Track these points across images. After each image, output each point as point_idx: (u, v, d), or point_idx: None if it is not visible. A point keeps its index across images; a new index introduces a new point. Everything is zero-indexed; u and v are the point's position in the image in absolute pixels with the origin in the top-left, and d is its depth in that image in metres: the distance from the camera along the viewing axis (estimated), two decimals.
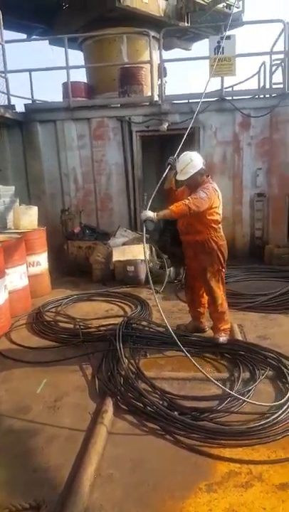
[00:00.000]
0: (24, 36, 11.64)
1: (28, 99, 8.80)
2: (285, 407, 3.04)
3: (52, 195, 8.36)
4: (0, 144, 8.03)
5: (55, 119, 8.08)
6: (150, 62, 7.98)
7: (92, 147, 8.15)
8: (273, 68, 8.31)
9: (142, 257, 6.29)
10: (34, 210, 6.63)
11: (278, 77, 8.02)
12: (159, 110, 7.77)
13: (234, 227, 8.10)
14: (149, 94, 7.97)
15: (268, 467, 2.55)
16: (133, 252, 6.65)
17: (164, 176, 4.13)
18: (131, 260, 6.63)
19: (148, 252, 6.68)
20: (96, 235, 7.69)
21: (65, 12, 10.51)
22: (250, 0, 16.87)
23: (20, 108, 8.22)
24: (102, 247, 7.05)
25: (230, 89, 8.63)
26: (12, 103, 8.09)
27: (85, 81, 9.98)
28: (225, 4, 10.48)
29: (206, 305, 4.51)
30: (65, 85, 8.39)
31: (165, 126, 7.65)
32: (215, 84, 7.69)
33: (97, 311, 5.59)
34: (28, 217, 6.52)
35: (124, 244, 7.10)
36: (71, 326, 5.04)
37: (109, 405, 3.17)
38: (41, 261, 6.35)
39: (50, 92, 21.41)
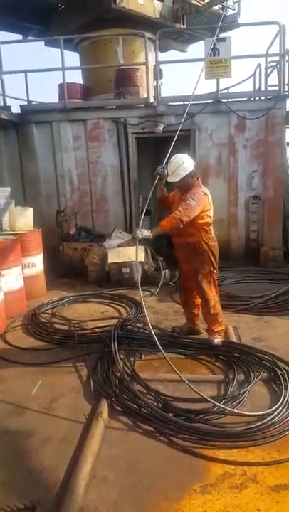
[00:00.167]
0: (20, 37, 11.61)
1: (24, 100, 8.79)
2: (280, 409, 3.06)
3: (47, 196, 8.35)
4: None
5: (50, 120, 8.07)
6: (146, 63, 7.98)
7: (88, 148, 8.15)
8: (269, 70, 8.37)
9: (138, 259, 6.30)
10: (30, 212, 6.63)
11: (274, 79, 8.10)
12: (154, 112, 7.79)
13: (229, 229, 8.08)
14: (145, 95, 7.98)
15: (263, 469, 2.55)
16: (128, 253, 6.63)
17: (154, 185, 4.16)
18: (126, 262, 6.62)
19: (143, 254, 6.69)
20: (91, 236, 7.67)
21: (61, 13, 10.51)
22: (246, 1, 16.89)
23: (16, 109, 8.24)
24: (98, 249, 7.04)
25: (225, 91, 8.65)
26: (8, 104, 8.10)
27: (81, 82, 10.00)
28: (221, 6, 10.51)
29: (200, 306, 4.53)
30: (60, 86, 8.38)
31: (160, 127, 7.66)
32: (210, 87, 7.74)
33: (93, 313, 5.59)
34: (24, 218, 6.52)
35: (119, 246, 7.09)
36: (66, 327, 5.05)
37: (104, 407, 3.18)
38: (37, 262, 6.35)
39: (46, 93, 21.40)
